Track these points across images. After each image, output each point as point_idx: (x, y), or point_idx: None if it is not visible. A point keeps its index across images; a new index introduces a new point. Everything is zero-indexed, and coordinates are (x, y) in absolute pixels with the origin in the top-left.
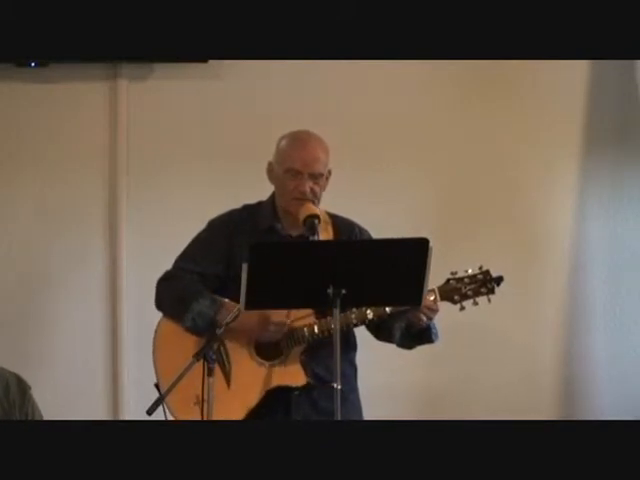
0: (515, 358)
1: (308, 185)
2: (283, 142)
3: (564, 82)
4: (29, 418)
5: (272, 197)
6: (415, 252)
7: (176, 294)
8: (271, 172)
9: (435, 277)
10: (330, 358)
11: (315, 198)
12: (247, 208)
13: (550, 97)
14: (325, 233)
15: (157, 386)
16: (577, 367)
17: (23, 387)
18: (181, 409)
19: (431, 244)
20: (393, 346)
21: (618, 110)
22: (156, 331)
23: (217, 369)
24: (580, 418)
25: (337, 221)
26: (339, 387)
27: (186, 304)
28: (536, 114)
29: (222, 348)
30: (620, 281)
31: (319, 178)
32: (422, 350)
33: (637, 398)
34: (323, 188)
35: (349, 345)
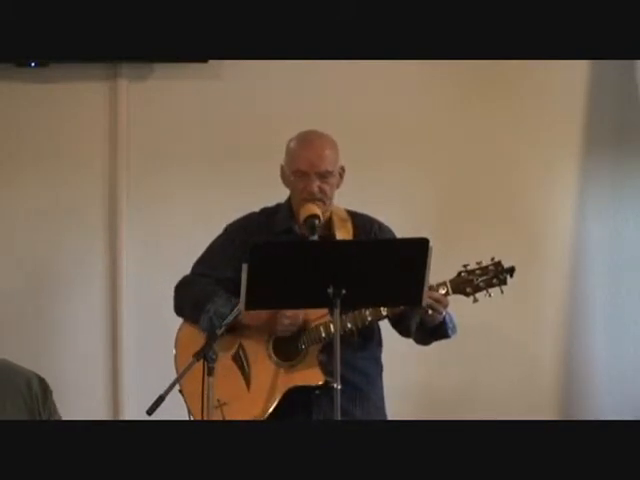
0: (515, 358)
1: (316, 185)
2: (290, 145)
3: (564, 82)
4: (51, 415)
5: (289, 199)
6: (415, 252)
7: (192, 298)
8: (283, 175)
9: (435, 277)
10: (351, 356)
11: (325, 197)
12: (265, 211)
13: (550, 97)
14: (344, 230)
15: (181, 392)
16: (577, 367)
17: (44, 386)
18: (201, 412)
19: (431, 244)
20: (394, 346)
21: (618, 110)
22: (176, 337)
23: (236, 370)
24: (580, 418)
25: (356, 218)
26: (339, 387)
27: (202, 306)
28: (536, 114)
29: (241, 351)
30: (620, 281)
31: (327, 176)
32: (422, 350)
33: (637, 398)
34: (336, 186)
35: (373, 342)
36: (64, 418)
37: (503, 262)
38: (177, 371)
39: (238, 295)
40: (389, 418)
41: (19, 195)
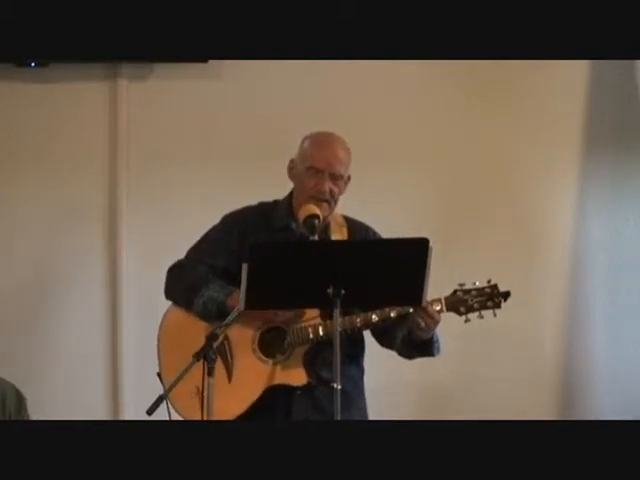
0: (515, 358)
1: (327, 185)
2: (307, 141)
3: (564, 82)
4: None
5: (289, 196)
6: (415, 252)
7: (187, 281)
8: (292, 170)
9: (435, 277)
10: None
11: (332, 199)
12: (262, 206)
13: (550, 97)
14: (340, 235)
15: (159, 375)
16: (577, 367)
17: (20, 398)
18: (181, 400)
19: (431, 244)
20: None
21: (618, 110)
22: (162, 322)
23: (218, 362)
24: (580, 418)
25: (352, 224)
26: (339, 387)
27: (196, 290)
28: (536, 114)
29: (225, 342)
30: (620, 281)
31: (339, 179)
32: None
33: (637, 398)
34: (342, 191)
35: (356, 346)
36: (64, 418)
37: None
38: (159, 355)
39: (232, 284)
40: (389, 416)
41: (19, 195)
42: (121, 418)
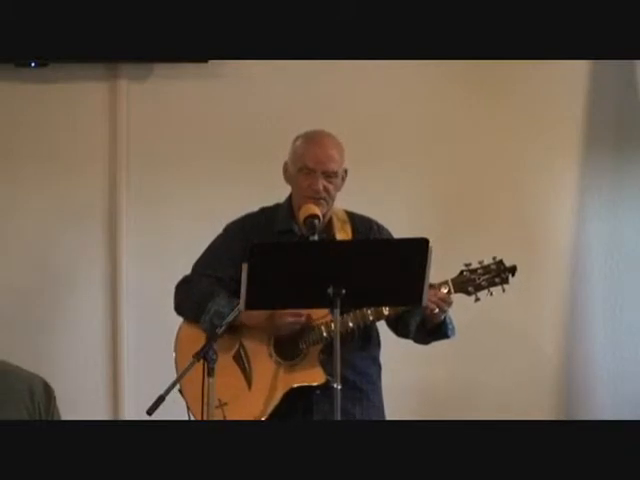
0: (515, 358)
1: (321, 183)
2: (298, 141)
3: (564, 82)
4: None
5: (289, 199)
6: (415, 252)
7: (193, 297)
8: (286, 172)
9: (435, 277)
10: (352, 356)
11: (329, 197)
12: (264, 211)
13: (550, 97)
14: (343, 232)
15: (181, 392)
16: (577, 367)
17: (49, 391)
18: (202, 412)
19: (431, 244)
20: (395, 344)
21: (618, 110)
22: (177, 336)
23: (237, 369)
24: (580, 418)
25: (355, 219)
26: (339, 387)
27: (203, 305)
28: (536, 114)
29: (242, 350)
30: (620, 281)
31: (333, 177)
32: (422, 349)
33: (637, 398)
34: (338, 187)
35: (371, 342)
36: (64, 418)
37: (504, 261)
38: (177, 369)
39: (239, 295)
40: (390, 416)
41: (19, 195)
42: (121, 418)
